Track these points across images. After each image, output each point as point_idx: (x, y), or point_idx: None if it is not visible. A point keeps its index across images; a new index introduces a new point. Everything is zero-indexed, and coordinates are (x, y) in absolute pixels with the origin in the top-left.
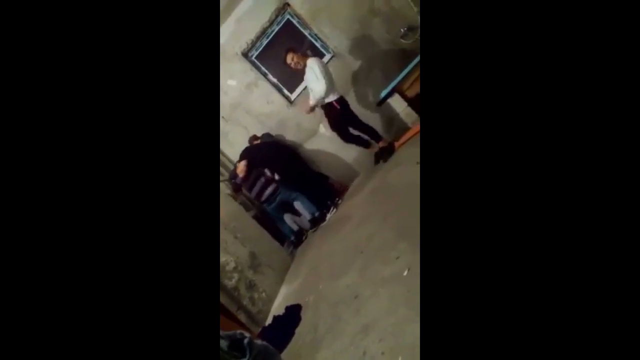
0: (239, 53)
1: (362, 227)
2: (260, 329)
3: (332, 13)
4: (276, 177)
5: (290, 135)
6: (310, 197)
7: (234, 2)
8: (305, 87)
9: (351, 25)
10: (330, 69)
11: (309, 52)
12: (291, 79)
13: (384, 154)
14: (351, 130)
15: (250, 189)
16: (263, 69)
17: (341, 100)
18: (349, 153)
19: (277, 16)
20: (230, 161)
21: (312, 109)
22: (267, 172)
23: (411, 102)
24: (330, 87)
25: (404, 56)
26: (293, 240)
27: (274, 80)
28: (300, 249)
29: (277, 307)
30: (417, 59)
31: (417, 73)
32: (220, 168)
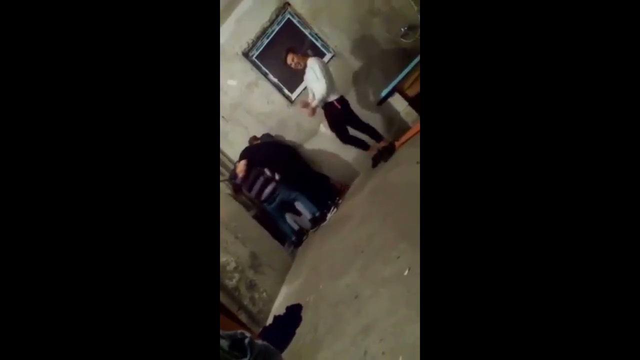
0: (240, 53)
1: (362, 227)
2: (260, 329)
3: (332, 12)
4: (276, 177)
5: (290, 135)
6: (310, 196)
7: (234, 1)
8: (306, 87)
9: (351, 25)
10: (331, 69)
11: (309, 52)
12: (291, 78)
13: (383, 156)
14: (350, 131)
15: (249, 189)
16: (263, 68)
17: (342, 100)
18: (349, 153)
19: (277, 16)
20: (231, 161)
21: (314, 110)
22: (267, 172)
23: (412, 102)
24: (331, 87)
25: (405, 55)
26: (294, 240)
27: (275, 80)
28: (300, 248)
29: (278, 307)
30: (418, 59)
31: (417, 72)
32: (221, 168)
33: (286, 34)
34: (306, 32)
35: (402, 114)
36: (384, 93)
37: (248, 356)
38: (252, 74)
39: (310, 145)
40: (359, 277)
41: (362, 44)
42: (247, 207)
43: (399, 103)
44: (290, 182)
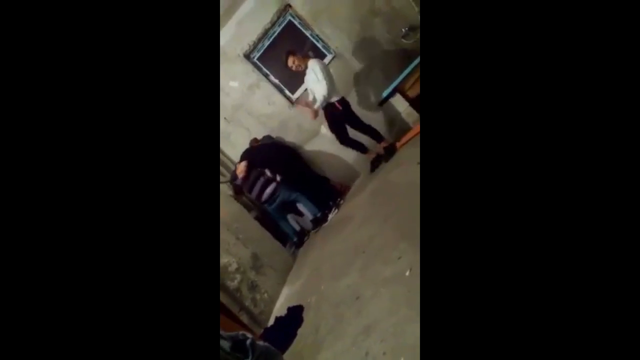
0: (241, 54)
1: (363, 228)
2: (262, 330)
3: (333, 14)
4: (278, 178)
5: (291, 136)
6: (310, 197)
7: (236, 3)
8: (306, 89)
9: (352, 26)
10: (332, 70)
11: (310, 53)
12: (292, 79)
13: (382, 160)
14: (351, 132)
15: (250, 190)
16: (265, 70)
17: (343, 101)
18: (349, 154)
19: (278, 17)
20: (233, 162)
21: (316, 112)
22: (268, 173)
23: (412, 102)
24: (332, 88)
25: (405, 56)
26: (295, 240)
27: (276, 81)
28: (302, 249)
29: (279, 308)
30: (419, 59)
31: (418, 73)
32: (223, 169)
33: (287, 35)
34: (307, 34)
35: (403, 115)
36: (385, 94)
37: (249, 357)
38: (254, 76)
39: (311, 147)
40: (360, 278)
41: (363, 45)
42: (249, 208)
43: (400, 104)
44: (291, 183)
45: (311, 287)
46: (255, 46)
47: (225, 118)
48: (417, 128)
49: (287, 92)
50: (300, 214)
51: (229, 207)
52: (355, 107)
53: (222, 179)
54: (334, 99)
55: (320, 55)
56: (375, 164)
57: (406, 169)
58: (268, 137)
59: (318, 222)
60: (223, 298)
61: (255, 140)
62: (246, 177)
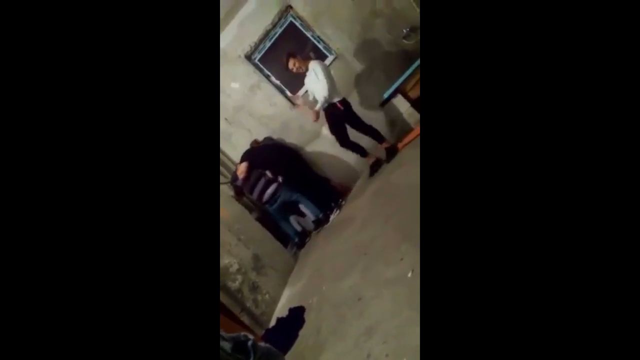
0: (242, 56)
1: (365, 229)
2: (263, 331)
3: (334, 15)
4: (280, 179)
5: (293, 137)
6: (312, 198)
7: (237, 5)
8: (307, 90)
9: (353, 27)
10: (333, 71)
11: (312, 55)
12: (294, 80)
13: (385, 159)
14: (351, 135)
15: (251, 191)
16: (266, 71)
17: (344, 102)
18: (351, 155)
19: (279, 18)
20: (234, 163)
21: (318, 114)
22: (268, 174)
23: (414, 103)
24: (333, 88)
25: (407, 57)
26: (296, 241)
27: (277, 82)
28: (303, 250)
29: (281, 309)
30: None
31: (419, 74)
32: (224, 170)
33: (288, 36)
34: (308, 35)
35: (405, 116)
36: (386, 94)
37: (251, 358)
38: (255, 77)
39: (313, 148)
40: (362, 279)
41: (364, 46)
42: (250, 209)
43: (401, 104)
44: (292, 183)
45: (313, 288)
46: (256, 47)
47: (226, 119)
48: (418, 129)
49: (288, 93)
50: (302, 214)
51: (230, 208)
52: (357, 108)
53: (223, 179)
54: (335, 100)
55: (321, 57)
56: (374, 168)
57: (408, 169)
58: (269, 138)
59: (320, 223)
60: (224, 299)
61: (255, 141)
62: (247, 178)
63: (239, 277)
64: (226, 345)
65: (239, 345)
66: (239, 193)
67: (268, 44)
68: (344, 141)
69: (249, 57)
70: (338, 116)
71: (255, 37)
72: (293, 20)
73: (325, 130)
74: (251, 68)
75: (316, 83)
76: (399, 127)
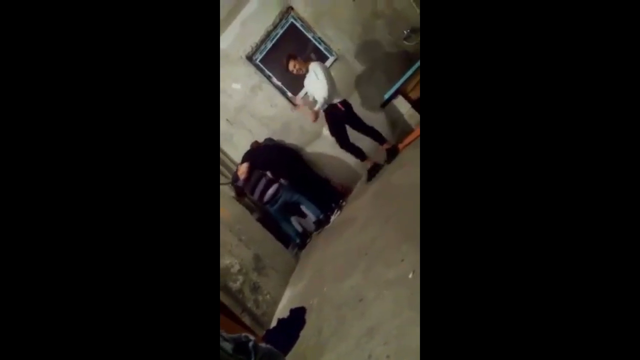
0: (244, 57)
1: (366, 229)
2: (264, 332)
3: (335, 16)
4: (282, 181)
5: (294, 138)
6: (312, 198)
7: (239, 5)
8: (307, 92)
9: (354, 28)
10: (334, 72)
11: (313, 56)
12: (295, 81)
13: (386, 161)
14: (352, 137)
15: (252, 191)
16: (267, 72)
17: (345, 103)
18: (351, 156)
19: (280, 19)
20: (235, 164)
21: (317, 115)
22: (269, 174)
23: (415, 104)
24: (333, 89)
25: (407, 58)
26: (297, 242)
27: (278, 83)
28: (304, 251)
29: (282, 310)
30: None
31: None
32: (225, 171)
33: (289, 37)
34: (309, 36)
35: (406, 117)
36: (387, 95)
37: (252, 359)
38: (256, 78)
39: (313, 148)
40: (363, 280)
41: (365, 47)
42: (251, 210)
43: (402, 105)
44: (293, 184)
45: (314, 288)
46: (257, 48)
47: (227, 120)
48: (419, 130)
49: (289, 94)
50: (302, 215)
51: (231, 209)
52: (358, 109)
53: (224, 180)
54: (336, 101)
55: (322, 58)
56: (372, 173)
57: (408, 170)
58: (269, 139)
59: (321, 223)
60: (225, 299)
61: (256, 142)
62: (248, 178)
63: (240, 278)
64: (227, 346)
65: (240, 346)
66: (240, 193)
67: (269, 45)
68: (344, 143)
69: (250, 58)
70: (338, 117)
71: (256, 38)
72: (294, 21)
73: (326, 131)
74: (252, 69)
75: (316, 84)
76: (400, 128)
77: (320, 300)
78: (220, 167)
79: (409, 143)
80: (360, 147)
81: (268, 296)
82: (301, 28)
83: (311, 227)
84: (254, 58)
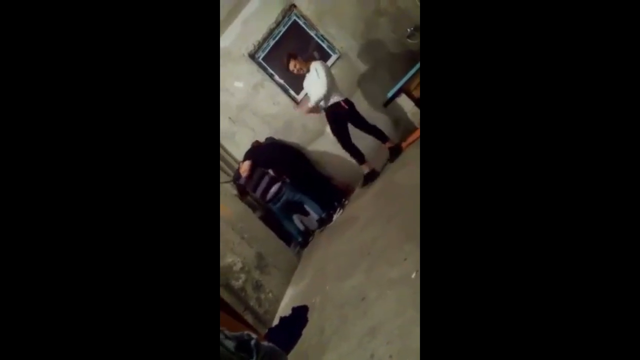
0: (246, 54)
1: (368, 228)
2: (266, 330)
3: (338, 14)
4: (285, 179)
5: (296, 137)
6: (315, 197)
7: (241, 3)
8: (307, 93)
9: (357, 26)
10: (337, 70)
11: (315, 54)
12: (297, 80)
13: (389, 159)
14: (353, 138)
15: (254, 189)
16: (269, 70)
17: (347, 101)
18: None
19: (283, 17)
20: (237, 162)
21: (310, 110)
22: (271, 172)
23: (418, 102)
24: (332, 88)
25: (411, 56)
26: (300, 240)
27: (281, 81)
28: (306, 249)
29: (284, 308)
30: None
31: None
32: (228, 169)
33: (292, 35)
34: (312, 34)
35: (409, 115)
36: (390, 94)
37: (254, 357)
38: (258, 76)
39: (316, 147)
40: (365, 279)
41: (368, 45)
42: (253, 208)
43: (405, 104)
44: (296, 182)
45: (316, 287)
46: (260, 46)
47: (230, 118)
48: None
49: (291, 92)
50: (305, 213)
51: (233, 207)
52: (360, 108)
53: (226, 178)
54: (336, 100)
55: (325, 56)
56: (367, 179)
57: (411, 169)
58: (270, 138)
59: (323, 222)
60: (227, 297)
61: (257, 142)
62: (250, 176)
63: (243, 276)
64: (229, 344)
65: (242, 344)
66: (243, 192)
67: (272, 43)
68: (346, 143)
69: (252, 56)
70: (340, 116)
71: (259, 36)
72: (297, 19)
73: (329, 129)
74: (255, 67)
75: (316, 82)
76: (403, 126)
77: (323, 299)
78: (223, 165)
79: (412, 142)
80: (363, 146)
81: (270, 294)
82: (304, 26)
83: (313, 225)
84: (256, 56)
